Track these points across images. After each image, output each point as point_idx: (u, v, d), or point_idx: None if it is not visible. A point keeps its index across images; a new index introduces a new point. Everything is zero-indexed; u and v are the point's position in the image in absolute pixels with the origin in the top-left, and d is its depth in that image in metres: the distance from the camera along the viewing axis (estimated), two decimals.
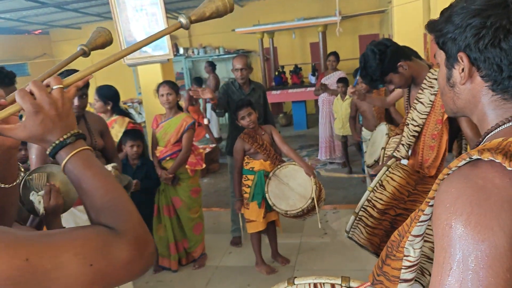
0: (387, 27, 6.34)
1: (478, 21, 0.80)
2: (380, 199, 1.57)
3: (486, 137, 0.85)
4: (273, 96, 8.05)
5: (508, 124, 0.82)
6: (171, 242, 3.46)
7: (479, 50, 0.80)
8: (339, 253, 3.45)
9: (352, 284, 1.06)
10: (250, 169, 3.20)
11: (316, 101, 9.31)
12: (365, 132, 4.56)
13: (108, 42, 1.14)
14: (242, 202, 3.21)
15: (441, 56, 0.90)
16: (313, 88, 7.88)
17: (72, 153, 0.81)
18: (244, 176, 3.25)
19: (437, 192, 0.78)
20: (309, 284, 1.09)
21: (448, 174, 0.78)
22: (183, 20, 0.91)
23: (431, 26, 0.91)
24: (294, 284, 1.11)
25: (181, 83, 10.25)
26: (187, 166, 3.44)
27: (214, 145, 6.79)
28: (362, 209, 1.58)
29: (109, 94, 3.41)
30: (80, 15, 8.74)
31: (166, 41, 4.08)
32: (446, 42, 0.86)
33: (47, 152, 0.83)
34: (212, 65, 8.23)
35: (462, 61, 0.83)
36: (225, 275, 3.40)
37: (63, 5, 7.54)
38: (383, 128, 3.62)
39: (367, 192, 1.60)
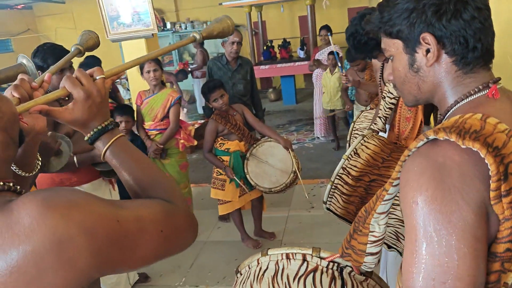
0: None
1: None
2: (355, 166, 1.58)
3: (447, 115, 0.87)
4: (262, 71, 7.99)
5: (466, 100, 0.84)
6: None
7: (444, 26, 0.81)
8: (326, 226, 3.50)
9: (322, 254, 1.09)
10: (226, 150, 3.16)
11: (306, 75, 9.29)
12: (356, 106, 4.57)
13: (96, 45, 1.29)
14: (228, 166, 3.15)
15: (394, 45, 0.90)
16: (302, 63, 7.84)
17: (113, 139, 0.88)
18: (218, 157, 3.19)
19: (401, 173, 0.80)
20: (282, 254, 1.12)
21: (409, 155, 0.79)
22: (197, 35, 1.07)
23: (374, 22, 0.92)
24: (268, 255, 1.14)
25: (169, 59, 10.13)
26: (181, 141, 3.42)
27: (203, 121, 6.76)
28: (337, 177, 1.60)
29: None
30: None
31: (150, 15, 3.99)
32: (402, 30, 0.86)
33: (86, 138, 0.89)
34: None
35: (426, 42, 0.83)
36: (213, 250, 3.44)
37: None
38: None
39: (342, 160, 1.61)
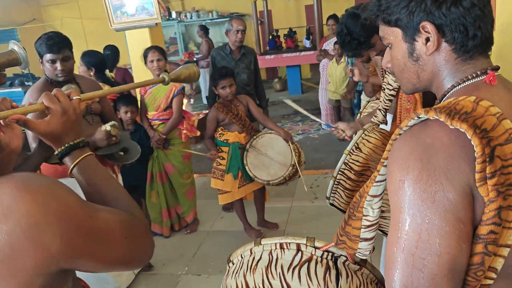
0: None
1: None
2: (357, 161, 1.57)
3: (444, 99, 0.86)
4: (267, 60, 7.94)
5: (463, 85, 0.83)
6: (164, 208, 3.49)
7: (443, 14, 0.80)
8: (329, 217, 3.49)
9: (317, 244, 1.08)
10: (224, 141, 3.17)
11: (312, 65, 9.22)
12: (363, 96, 4.54)
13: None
14: (216, 152, 3.19)
15: (393, 33, 0.89)
16: (307, 52, 7.78)
17: (82, 156, 0.93)
18: (218, 147, 3.22)
19: (390, 152, 0.80)
20: (275, 244, 1.11)
21: (400, 134, 0.80)
22: (166, 77, 1.17)
23: (373, 10, 0.91)
24: (261, 245, 1.14)
25: (175, 48, 10.10)
26: (184, 131, 3.43)
27: (207, 111, 6.76)
28: (339, 172, 1.59)
29: (93, 61, 3.37)
30: None
31: (153, 4, 3.97)
32: (401, 18, 0.85)
33: (56, 152, 0.93)
34: (204, 29, 8.09)
35: (426, 30, 0.83)
36: (216, 240, 3.46)
37: None
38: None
39: (344, 156, 1.60)
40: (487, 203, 0.70)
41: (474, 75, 0.83)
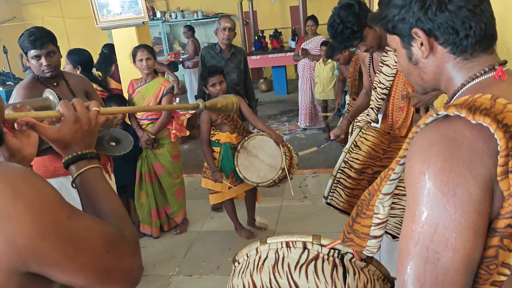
0: None
1: None
2: (357, 159, 1.58)
3: (454, 97, 0.87)
4: (253, 61, 7.93)
5: (472, 82, 0.85)
6: (153, 209, 3.45)
7: (430, 19, 0.83)
8: (319, 216, 3.52)
9: (323, 241, 1.08)
10: (216, 141, 3.14)
11: (297, 66, 9.26)
12: (347, 96, 4.59)
13: None
14: (221, 174, 3.13)
15: (394, 40, 0.93)
16: (293, 53, 7.81)
17: (88, 167, 0.89)
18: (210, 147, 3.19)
19: (409, 148, 0.80)
20: (281, 242, 1.11)
21: (417, 132, 0.80)
22: (201, 104, 1.15)
23: (374, 19, 0.95)
24: (267, 243, 1.13)
25: (159, 48, 10.01)
26: (173, 131, 3.39)
27: (194, 111, 6.72)
28: (339, 171, 1.60)
29: (78, 59, 3.32)
30: None
31: (140, 2, 3.93)
32: (396, 25, 0.89)
33: (63, 160, 0.91)
34: (191, 30, 8.05)
35: (418, 36, 0.86)
36: (206, 240, 3.44)
37: None
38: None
39: (343, 154, 1.61)
40: (506, 197, 0.70)
41: (482, 72, 0.84)
